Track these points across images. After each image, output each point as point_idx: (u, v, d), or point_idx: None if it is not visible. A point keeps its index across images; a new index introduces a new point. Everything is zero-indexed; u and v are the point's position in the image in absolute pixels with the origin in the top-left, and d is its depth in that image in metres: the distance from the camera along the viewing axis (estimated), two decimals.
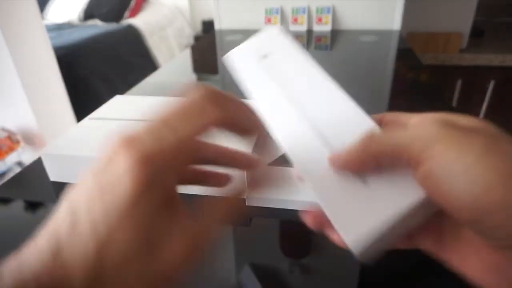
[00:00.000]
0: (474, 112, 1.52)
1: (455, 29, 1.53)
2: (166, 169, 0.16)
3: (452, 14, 1.53)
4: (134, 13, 2.86)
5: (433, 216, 0.20)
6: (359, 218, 0.19)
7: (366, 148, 0.19)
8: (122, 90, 0.88)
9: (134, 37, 2.68)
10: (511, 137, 0.16)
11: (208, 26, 2.98)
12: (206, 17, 3.14)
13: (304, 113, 0.25)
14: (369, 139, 0.19)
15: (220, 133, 0.19)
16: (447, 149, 0.15)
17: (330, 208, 0.20)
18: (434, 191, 0.17)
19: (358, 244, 0.18)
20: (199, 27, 3.24)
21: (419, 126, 0.18)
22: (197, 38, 2.99)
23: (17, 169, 1.51)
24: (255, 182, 0.28)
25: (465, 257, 0.19)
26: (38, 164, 0.53)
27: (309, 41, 1.40)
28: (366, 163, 0.19)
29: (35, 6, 1.46)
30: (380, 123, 0.22)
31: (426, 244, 0.21)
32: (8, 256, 0.16)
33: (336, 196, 0.21)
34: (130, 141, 0.16)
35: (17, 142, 1.44)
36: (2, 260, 0.16)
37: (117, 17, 2.79)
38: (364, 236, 0.18)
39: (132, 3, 2.85)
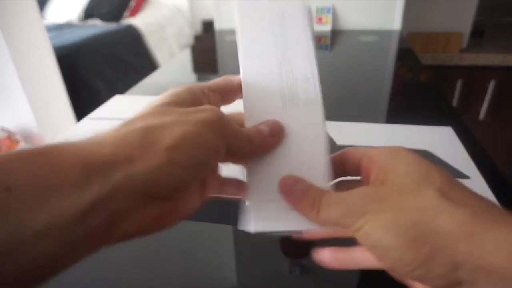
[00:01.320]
0: (474, 112, 1.52)
1: (455, 29, 1.53)
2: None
3: (452, 14, 1.53)
4: (134, 13, 2.86)
5: None
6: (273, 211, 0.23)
7: (314, 216, 0.22)
8: (122, 90, 0.88)
9: (134, 37, 2.68)
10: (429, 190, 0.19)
11: (208, 26, 2.98)
12: (206, 17, 3.14)
13: (280, 63, 0.26)
14: (318, 208, 0.22)
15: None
16: (367, 222, 0.19)
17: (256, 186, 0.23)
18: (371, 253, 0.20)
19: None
20: (199, 27, 3.24)
21: (352, 197, 0.21)
22: (197, 38, 2.99)
23: None
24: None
25: None
26: None
27: None
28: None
29: (35, 6, 1.46)
30: (340, 161, 0.25)
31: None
32: None
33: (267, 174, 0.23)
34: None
35: (17, 142, 1.44)
36: None
37: (117, 17, 2.79)
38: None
39: (132, 3, 2.85)
